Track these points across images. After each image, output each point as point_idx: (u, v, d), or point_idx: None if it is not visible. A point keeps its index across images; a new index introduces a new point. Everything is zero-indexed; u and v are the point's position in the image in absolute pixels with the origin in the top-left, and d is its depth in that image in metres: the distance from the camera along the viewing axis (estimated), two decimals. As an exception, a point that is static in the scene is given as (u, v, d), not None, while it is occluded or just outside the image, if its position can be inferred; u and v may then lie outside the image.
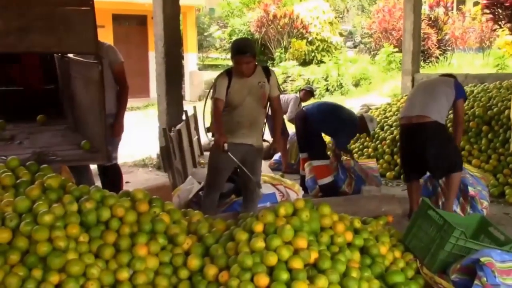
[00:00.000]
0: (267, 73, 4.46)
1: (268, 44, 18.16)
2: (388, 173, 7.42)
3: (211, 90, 4.51)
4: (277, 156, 8.13)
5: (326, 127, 6.26)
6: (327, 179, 6.17)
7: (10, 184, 3.31)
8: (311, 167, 6.28)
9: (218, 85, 4.39)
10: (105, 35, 14.08)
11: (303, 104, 7.85)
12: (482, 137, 7.21)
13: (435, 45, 16.26)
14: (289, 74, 15.89)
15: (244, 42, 4.47)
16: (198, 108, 7.30)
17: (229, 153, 4.31)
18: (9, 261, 2.79)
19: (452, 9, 19.87)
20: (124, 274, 2.91)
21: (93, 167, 5.50)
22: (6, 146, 4.42)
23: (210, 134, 4.75)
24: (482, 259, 2.98)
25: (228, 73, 4.43)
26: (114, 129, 4.93)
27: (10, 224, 2.92)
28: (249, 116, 4.42)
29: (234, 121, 4.42)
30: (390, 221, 4.61)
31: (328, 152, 6.56)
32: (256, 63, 4.46)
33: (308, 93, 8.04)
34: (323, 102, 7.23)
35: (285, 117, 7.75)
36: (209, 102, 4.57)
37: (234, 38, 18.75)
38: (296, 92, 8.94)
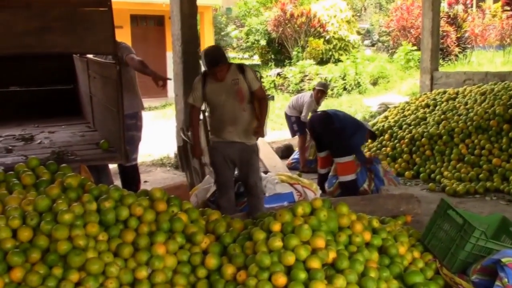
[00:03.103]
0: (241, 70, 4.51)
1: (285, 43, 18.11)
2: (406, 172, 7.35)
3: (190, 92, 4.64)
4: (295, 154, 8.11)
5: (349, 127, 6.27)
6: (350, 177, 6.13)
7: (31, 183, 3.36)
8: (336, 164, 6.26)
9: (194, 89, 4.56)
10: (123, 36, 14.19)
11: (315, 101, 7.74)
12: (503, 136, 7.12)
13: (454, 43, 16.07)
14: (306, 73, 15.83)
15: (214, 53, 4.45)
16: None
17: (203, 158, 4.64)
18: (30, 259, 2.83)
19: (472, 6, 19.61)
20: (142, 273, 2.93)
21: (113, 166, 5.55)
22: (27, 145, 4.49)
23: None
24: (503, 260, 2.94)
25: (204, 75, 4.55)
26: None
27: (31, 223, 2.96)
28: (230, 114, 4.47)
29: (218, 121, 4.55)
30: (408, 220, 4.58)
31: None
32: (230, 61, 4.54)
33: (321, 92, 7.78)
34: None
35: (301, 117, 7.72)
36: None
37: (251, 37, 18.74)
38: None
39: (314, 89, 7.94)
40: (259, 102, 4.58)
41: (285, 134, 9.64)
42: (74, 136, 4.82)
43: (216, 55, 4.41)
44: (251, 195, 4.67)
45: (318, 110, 7.56)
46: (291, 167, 7.78)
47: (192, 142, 4.58)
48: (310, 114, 7.60)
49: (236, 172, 4.83)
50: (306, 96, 7.93)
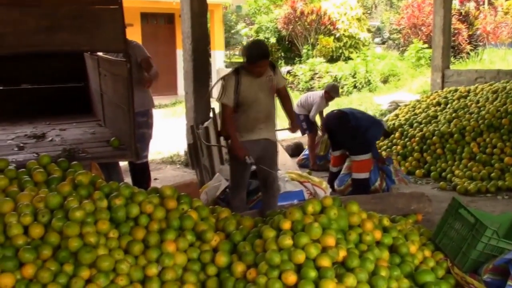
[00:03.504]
0: (272, 66, 4.50)
1: (295, 41, 18.06)
2: (417, 171, 7.30)
3: (220, 92, 4.43)
4: (306, 151, 8.09)
5: (364, 123, 6.25)
6: (363, 175, 6.11)
7: (42, 180, 3.38)
8: (351, 162, 6.24)
9: (227, 87, 4.33)
10: (134, 34, 14.23)
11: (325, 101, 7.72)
12: (515, 134, 7.05)
13: (466, 41, 15.94)
14: (316, 71, 15.77)
15: (262, 47, 4.38)
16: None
17: (248, 158, 4.33)
18: (41, 256, 2.85)
19: (484, 4, 19.44)
20: (153, 270, 2.94)
21: (124, 163, 5.57)
22: (38, 143, 4.52)
23: (222, 138, 4.75)
24: (515, 259, 2.91)
25: (236, 72, 4.38)
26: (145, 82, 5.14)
27: (42, 220, 2.98)
28: (265, 111, 4.43)
29: (250, 119, 4.40)
30: (419, 219, 4.55)
31: None
32: None
33: (331, 97, 7.68)
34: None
35: (310, 116, 7.70)
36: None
37: (261, 35, 18.71)
38: (322, 89, 8.57)
39: (325, 92, 7.84)
40: (284, 99, 4.67)
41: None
42: (85, 134, 4.84)
43: (265, 49, 4.36)
44: (267, 192, 4.63)
45: (334, 109, 7.54)
46: (301, 164, 7.76)
47: (232, 143, 4.35)
48: (318, 114, 7.63)
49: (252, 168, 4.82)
50: (316, 95, 7.88)
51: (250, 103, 4.37)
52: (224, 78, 4.42)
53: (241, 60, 21.95)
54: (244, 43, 20.33)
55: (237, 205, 4.57)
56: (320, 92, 7.93)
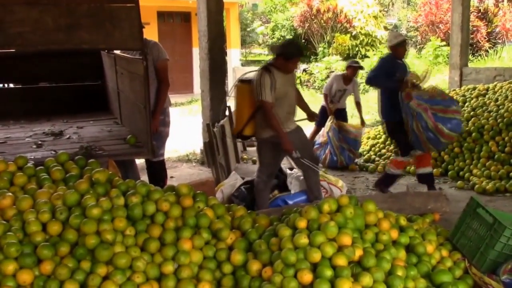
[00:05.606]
0: None
1: (311, 39, 18.01)
2: (434, 170, 7.21)
3: (258, 91, 4.51)
4: (318, 140, 8.07)
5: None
6: (427, 169, 6.12)
7: (60, 178, 3.41)
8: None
9: (265, 85, 4.50)
10: (150, 32, 14.31)
11: (349, 77, 7.82)
12: (535, 133, 6.95)
13: (485, 38, 15.77)
14: (333, 69, 15.72)
15: (299, 44, 4.80)
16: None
17: (295, 152, 4.58)
18: (59, 253, 2.87)
19: (503, 1, 19.19)
20: (169, 268, 2.95)
21: (140, 161, 5.60)
22: (56, 140, 4.57)
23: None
24: (535, 260, 2.87)
25: (268, 70, 4.54)
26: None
27: (60, 217, 3.01)
28: (293, 105, 4.75)
29: (285, 112, 4.63)
30: (436, 219, 4.50)
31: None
32: None
33: (354, 68, 7.76)
34: None
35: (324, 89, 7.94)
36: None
37: (277, 33, 18.71)
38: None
39: (348, 66, 7.99)
40: (297, 92, 5.00)
41: (310, 129, 9.60)
42: (102, 132, 4.88)
43: (302, 47, 4.72)
44: (310, 180, 4.84)
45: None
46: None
47: (281, 138, 4.54)
48: (336, 91, 7.77)
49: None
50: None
51: (283, 97, 4.60)
52: (259, 78, 4.52)
53: (257, 58, 21.95)
54: (260, 41, 20.33)
55: (265, 197, 4.86)
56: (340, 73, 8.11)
